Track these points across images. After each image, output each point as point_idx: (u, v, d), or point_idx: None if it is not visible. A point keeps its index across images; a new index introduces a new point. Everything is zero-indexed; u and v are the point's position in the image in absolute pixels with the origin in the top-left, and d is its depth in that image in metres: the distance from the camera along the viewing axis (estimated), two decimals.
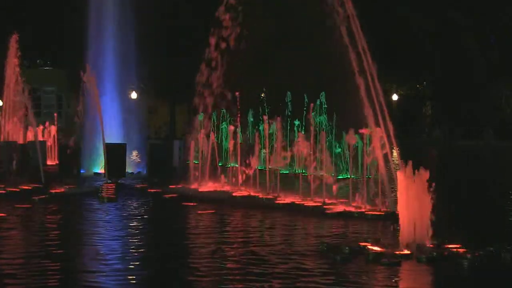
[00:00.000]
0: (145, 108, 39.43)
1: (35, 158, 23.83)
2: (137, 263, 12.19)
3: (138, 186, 23.04)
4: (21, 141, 27.12)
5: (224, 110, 28.86)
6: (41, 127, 32.58)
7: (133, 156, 29.36)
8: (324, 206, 17.93)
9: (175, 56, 54.39)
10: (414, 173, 12.48)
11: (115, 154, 24.52)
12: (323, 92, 28.01)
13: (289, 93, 31.14)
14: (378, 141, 17.66)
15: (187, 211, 18.25)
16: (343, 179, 24.50)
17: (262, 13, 24.62)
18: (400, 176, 12.60)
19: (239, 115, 23.94)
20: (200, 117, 24.48)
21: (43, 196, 19.74)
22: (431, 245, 12.45)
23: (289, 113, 30.09)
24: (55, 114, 35.49)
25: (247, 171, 21.09)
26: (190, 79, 25.77)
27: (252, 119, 32.15)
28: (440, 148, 56.30)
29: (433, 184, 12.54)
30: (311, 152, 20.57)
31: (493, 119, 66.64)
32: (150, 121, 58.56)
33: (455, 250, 12.30)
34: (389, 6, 60.91)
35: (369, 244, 12.76)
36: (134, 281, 10.88)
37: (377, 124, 18.02)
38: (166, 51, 53.88)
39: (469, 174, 32.58)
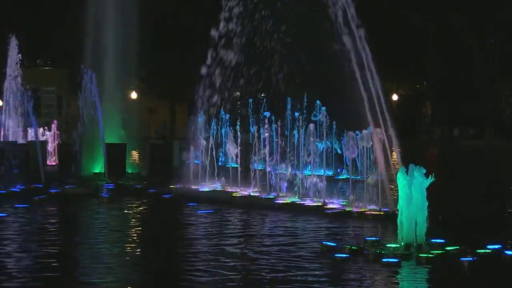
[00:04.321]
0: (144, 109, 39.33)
1: (35, 158, 23.80)
2: (138, 263, 12.20)
3: (138, 186, 23.00)
4: (21, 141, 27.10)
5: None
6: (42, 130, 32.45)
7: (133, 156, 29.37)
8: (324, 206, 17.92)
9: (175, 55, 54.39)
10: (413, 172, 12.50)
11: (115, 154, 24.50)
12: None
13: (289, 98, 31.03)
14: (378, 142, 17.67)
15: (187, 211, 18.25)
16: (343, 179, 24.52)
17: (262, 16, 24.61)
18: (400, 175, 12.59)
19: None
20: (200, 118, 24.41)
21: (43, 196, 19.72)
22: (431, 245, 12.45)
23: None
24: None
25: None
26: (190, 78, 25.79)
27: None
28: (441, 148, 56.28)
29: (433, 184, 12.55)
30: None
31: (493, 119, 66.61)
32: (150, 121, 58.70)
33: (455, 250, 12.30)
34: (390, 6, 60.88)
35: (369, 243, 12.77)
36: (135, 281, 10.88)
37: (377, 125, 18.02)
38: (166, 50, 53.94)
39: (469, 174, 32.57)
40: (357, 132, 19.24)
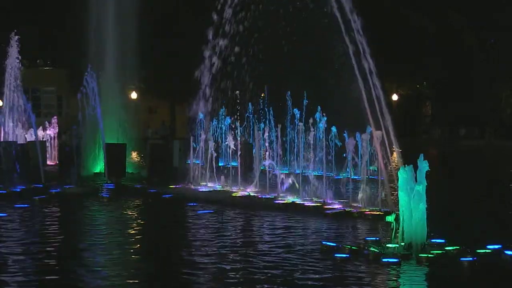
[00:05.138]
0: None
1: (35, 158, 23.79)
2: (137, 264, 12.21)
3: (138, 186, 22.98)
4: (21, 141, 27.10)
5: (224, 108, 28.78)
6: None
7: (133, 157, 29.33)
8: (324, 206, 17.92)
9: (175, 56, 54.40)
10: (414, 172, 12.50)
11: (115, 154, 24.49)
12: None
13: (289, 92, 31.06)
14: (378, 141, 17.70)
15: (187, 211, 18.25)
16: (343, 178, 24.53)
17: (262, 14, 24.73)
18: (400, 175, 12.59)
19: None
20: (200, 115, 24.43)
21: (43, 196, 19.73)
22: (431, 245, 12.46)
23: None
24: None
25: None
26: (190, 79, 25.80)
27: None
28: (441, 148, 56.28)
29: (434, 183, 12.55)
30: None
31: (493, 119, 66.62)
32: (150, 121, 58.71)
33: (455, 250, 12.30)
34: (390, 6, 60.91)
35: (369, 243, 12.77)
36: (135, 281, 10.89)
37: (377, 125, 18.05)
38: (166, 51, 53.95)
39: (469, 174, 32.57)
40: (357, 134, 19.28)
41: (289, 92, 30.26)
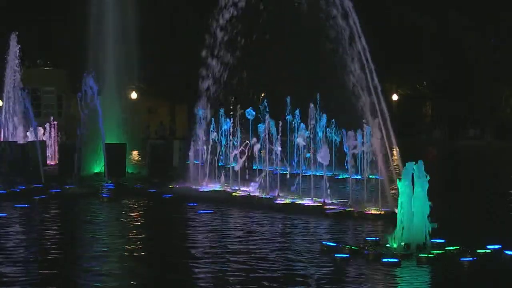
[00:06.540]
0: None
1: (35, 158, 23.79)
2: (136, 263, 12.20)
3: (138, 186, 22.98)
4: (21, 141, 27.10)
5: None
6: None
7: (133, 156, 29.30)
8: (324, 206, 17.91)
9: (175, 55, 54.44)
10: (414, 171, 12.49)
11: (115, 154, 24.48)
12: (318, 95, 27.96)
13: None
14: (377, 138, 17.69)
15: (187, 211, 18.24)
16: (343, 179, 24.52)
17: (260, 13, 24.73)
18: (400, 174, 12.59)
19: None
20: (200, 112, 24.33)
21: (44, 196, 19.72)
22: (431, 245, 12.45)
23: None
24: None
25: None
26: (189, 79, 25.79)
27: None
28: (440, 147, 56.29)
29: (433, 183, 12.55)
30: None
31: (493, 119, 66.63)
32: (150, 121, 58.72)
33: (455, 250, 12.30)
34: (390, 6, 60.96)
35: (369, 243, 12.76)
36: (134, 282, 10.89)
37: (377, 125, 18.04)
38: (166, 50, 53.99)
39: (468, 173, 32.58)
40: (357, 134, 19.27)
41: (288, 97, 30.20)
